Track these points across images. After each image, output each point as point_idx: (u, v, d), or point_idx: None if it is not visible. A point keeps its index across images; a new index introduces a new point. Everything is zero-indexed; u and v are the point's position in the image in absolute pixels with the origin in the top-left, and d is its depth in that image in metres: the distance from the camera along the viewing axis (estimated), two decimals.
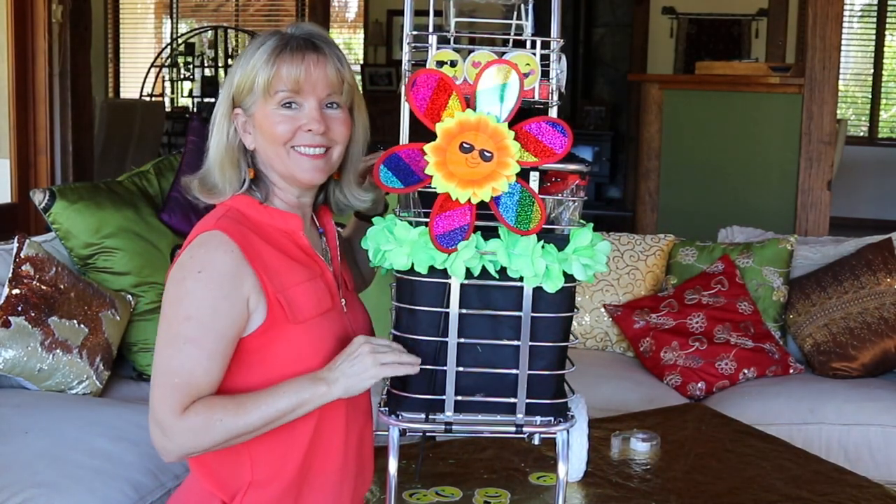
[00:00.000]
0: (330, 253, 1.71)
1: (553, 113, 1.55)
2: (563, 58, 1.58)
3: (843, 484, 1.98)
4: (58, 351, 2.58)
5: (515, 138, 1.47)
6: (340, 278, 1.70)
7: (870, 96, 9.61)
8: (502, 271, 1.50)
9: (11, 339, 2.53)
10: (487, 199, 1.46)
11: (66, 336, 2.60)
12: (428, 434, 1.62)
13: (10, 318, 2.54)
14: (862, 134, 9.58)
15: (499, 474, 1.92)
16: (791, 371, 3.19)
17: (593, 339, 3.40)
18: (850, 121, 9.44)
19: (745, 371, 3.13)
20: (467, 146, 1.46)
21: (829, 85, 4.36)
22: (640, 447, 2.10)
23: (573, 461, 1.88)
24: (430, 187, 1.48)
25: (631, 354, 3.36)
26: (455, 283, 1.50)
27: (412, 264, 1.50)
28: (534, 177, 1.50)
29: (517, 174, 1.47)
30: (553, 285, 1.49)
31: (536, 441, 1.61)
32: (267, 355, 1.55)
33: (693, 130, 4.79)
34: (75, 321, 2.64)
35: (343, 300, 1.67)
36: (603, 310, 3.40)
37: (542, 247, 1.48)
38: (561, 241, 1.50)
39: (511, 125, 1.48)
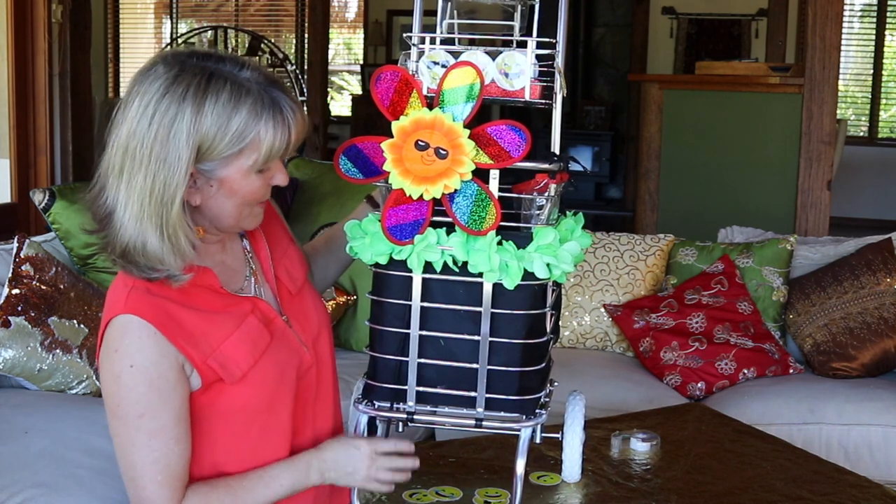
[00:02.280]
0: (261, 266, 1.64)
1: (557, 113, 1.56)
2: (558, 57, 1.58)
3: (843, 484, 1.98)
4: (58, 351, 2.58)
5: (475, 139, 1.48)
6: (276, 291, 1.63)
7: (870, 96, 9.61)
8: (469, 267, 1.54)
9: (11, 339, 2.53)
10: (438, 196, 1.49)
11: (66, 336, 2.60)
12: (406, 423, 1.65)
13: (10, 318, 2.54)
14: (862, 134, 9.58)
15: (499, 474, 1.92)
16: (791, 371, 3.19)
17: (593, 339, 3.40)
18: (850, 121, 9.44)
19: (745, 371, 3.13)
20: (422, 144, 1.48)
21: (829, 85, 4.36)
22: (640, 447, 2.10)
23: (570, 461, 1.88)
24: (388, 181, 1.51)
25: (631, 354, 3.36)
26: (417, 276, 1.53)
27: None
28: (493, 176, 1.52)
29: (476, 174, 1.49)
30: (511, 281, 1.51)
31: (538, 440, 1.63)
32: (214, 410, 1.53)
33: (693, 130, 4.79)
34: (75, 321, 2.64)
35: (285, 317, 1.62)
36: (603, 310, 3.40)
37: (500, 243, 1.50)
38: (524, 239, 1.52)
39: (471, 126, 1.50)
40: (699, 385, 3.10)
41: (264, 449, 1.57)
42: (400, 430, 1.66)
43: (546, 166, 1.54)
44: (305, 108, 7.67)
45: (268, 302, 1.60)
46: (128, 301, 1.46)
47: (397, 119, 1.50)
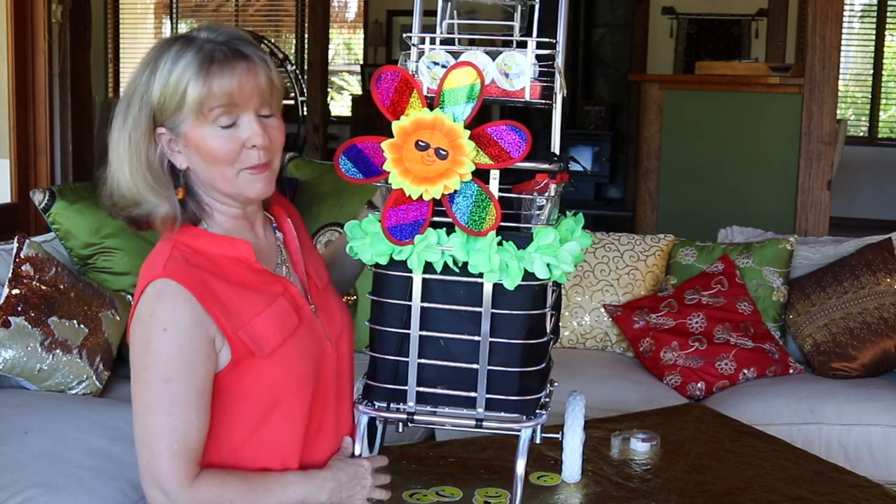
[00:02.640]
0: (291, 257, 1.66)
1: (557, 113, 1.56)
2: (558, 57, 1.58)
3: (843, 484, 1.98)
4: (58, 351, 2.57)
5: (475, 139, 1.48)
6: (306, 283, 1.66)
7: (870, 96, 9.61)
8: (469, 267, 1.54)
9: (11, 339, 2.52)
10: (438, 197, 1.49)
11: (65, 336, 2.60)
12: (406, 424, 1.66)
13: (10, 318, 2.54)
14: (862, 134, 9.58)
15: (499, 474, 1.92)
16: (791, 371, 3.19)
17: (593, 339, 3.40)
18: (850, 121, 9.44)
19: (745, 371, 3.13)
20: (423, 144, 1.48)
21: (829, 85, 4.35)
22: (640, 447, 2.10)
23: (570, 462, 1.88)
24: (388, 182, 1.51)
25: (631, 354, 3.36)
26: (417, 277, 1.53)
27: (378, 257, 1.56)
28: (494, 176, 1.52)
29: (476, 175, 1.49)
30: (511, 282, 1.51)
31: (538, 440, 1.63)
32: (239, 390, 1.54)
33: (693, 130, 4.79)
34: (75, 321, 2.64)
35: (313, 306, 1.64)
36: (603, 310, 3.40)
37: (500, 243, 1.50)
38: (523, 240, 1.52)
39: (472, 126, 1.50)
40: (699, 385, 3.10)
41: (283, 437, 1.58)
42: (399, 430, 1.66)
43: (546, 166, 1.54)
44: (305, 109, 7.67)
45: (298, 289, 1.63)
46: (166, 268, 1.49)
47: (398, 119, 1.50)
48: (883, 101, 9.59)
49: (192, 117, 1.49)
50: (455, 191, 1.49)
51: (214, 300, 1.49)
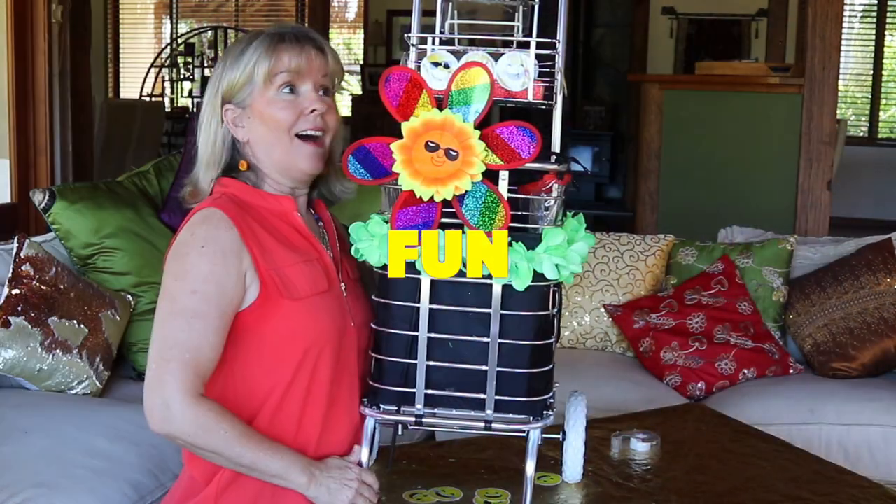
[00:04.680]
0: (328, 240, 1.73)
1: (557, 113, 1.56)
2: (558, 57, 1.58)
3: (843, 484, 1.98)
4: (58, 351, 2.57)
5: (485, 140, 1.48)
6: (340, 264, 1.71)
7: (870, 96, 9.61)
8: None
9: (11, 339, 2.52)
10: (450, 198, 1.49)
11: (65, 336, 2.60)
12: (406, 426, 1.65)
13: (10, 318, 2.54)
14: (862, 134, 9.58)
15: (499, 474, 1.92)
16: (791, 371, 3.19)
17: (593, 339, 3.40)
18: (850, 121, 9.44)
19: (745, 371, 3.13)
20: (433, 145, 1.48)
21: (829, 85, 4.35)
22: (640, 447, 2.10)
23: (572, 462, 1.88)
24: (397, 183, 1.51)
25: (631, 354, 3.36)
26: (425, 279, 1.52)
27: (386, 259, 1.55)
28: (503, 177, 1.51)
29: (485, 175, 1.49)
30: (521, 283, 1.51)
31: (539, 440, 1.63)
32: (261, 331, 1.58)
33: (693, 130, 4.79)
34: (75, 321, 2.64)
35: (343, 284, 1.69)
36: (603, 310, 3.40)
37: (510, 244, 1.50)
38: (532, 241, 1.51)
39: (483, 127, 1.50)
40: (699, 385, 3.10)
41: (304, 407, 1.60)
42: (400, 432, 1.66)
43: (555, 167, 1.53)
44: None
45: (332, 264, 1.69)
46: (215, 201, 1.60)
47: (407, 120, 1.49)
48: (883, 101, 9.59)
49: (259, 87, 1.62)
50: (465, 192, 1.48)
51: (253, 237, 1.58)
